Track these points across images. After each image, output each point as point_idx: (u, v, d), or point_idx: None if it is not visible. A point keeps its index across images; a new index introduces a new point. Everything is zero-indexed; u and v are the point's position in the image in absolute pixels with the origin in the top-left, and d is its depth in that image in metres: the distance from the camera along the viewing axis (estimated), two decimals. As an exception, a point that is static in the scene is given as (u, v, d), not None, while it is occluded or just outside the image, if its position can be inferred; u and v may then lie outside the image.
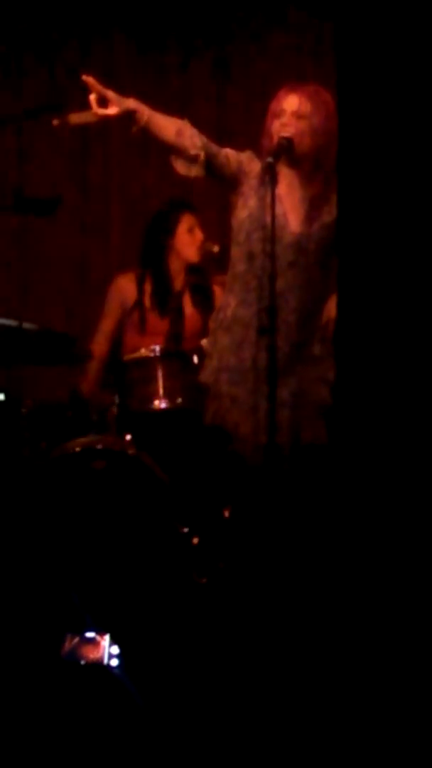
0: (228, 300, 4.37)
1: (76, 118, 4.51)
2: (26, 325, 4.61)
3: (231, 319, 4.33)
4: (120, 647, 3.92)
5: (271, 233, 4.08)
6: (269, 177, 4.10)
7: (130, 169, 6.26)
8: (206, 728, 3.61)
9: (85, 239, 6.38)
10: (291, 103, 4.27)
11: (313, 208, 4.30)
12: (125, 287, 5.24)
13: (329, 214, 4.24)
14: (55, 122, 4.47)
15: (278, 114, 4.27)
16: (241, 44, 6.30)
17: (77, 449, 4.43)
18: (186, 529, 4.38)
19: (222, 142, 4.37)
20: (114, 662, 3.89)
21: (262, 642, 3.93)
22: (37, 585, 4.23)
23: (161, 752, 3.48)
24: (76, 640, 3.89)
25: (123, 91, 4.29)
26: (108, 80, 4.56)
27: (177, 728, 3.61)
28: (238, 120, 5.99)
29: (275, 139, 4.22)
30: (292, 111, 4.25)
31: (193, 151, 4.24)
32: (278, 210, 4.15)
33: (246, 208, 4.31)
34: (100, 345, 5.20)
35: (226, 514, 4.36)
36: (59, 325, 5.40)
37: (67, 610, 4.13)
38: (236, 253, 4.35)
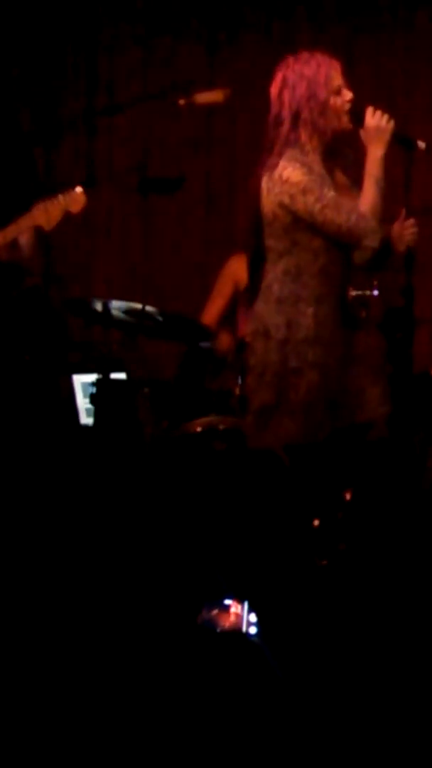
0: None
1: (202, 97, 4.52)
2: (149, 308, 4.64)
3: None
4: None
5: None
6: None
7: (254, 149, 6.24)
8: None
9: (209, 220, 6.39)
10: (340, 76, 4.10)
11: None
12: (240, 268, 5.22)
13: None
14: (182, 102, 4.48)
15: (338, 91, 4.08)
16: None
17: (198, 429, 4.44)
18: (308, 512, 4.36)
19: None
20: (252, 630, 3.88)
21: (383, 624, 3.92)
22: (168, 559, 4.25)
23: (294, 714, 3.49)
24: (214, 607, 3.89)
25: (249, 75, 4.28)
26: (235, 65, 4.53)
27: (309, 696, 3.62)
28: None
29: (345, 115, 4.07)
30: (343, 83, 4.10)
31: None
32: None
33: None
34: (209, 321, 5.20)
35: (348, 496, 4.33)
36: (182, 304, 5.42)
37: (206, 580, 4.14)
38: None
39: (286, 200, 4.03)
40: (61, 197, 4.39)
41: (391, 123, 4.04)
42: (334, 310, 4.11)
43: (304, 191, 4.02)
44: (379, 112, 4.03)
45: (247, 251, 5.07)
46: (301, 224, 4.05)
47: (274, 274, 4.11)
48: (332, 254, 4.08)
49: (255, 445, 4.13)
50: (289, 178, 4.02)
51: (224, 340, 5.18)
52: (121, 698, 3.58)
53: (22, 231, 4.44)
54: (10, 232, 4.44)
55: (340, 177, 4.15)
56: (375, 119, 4.03)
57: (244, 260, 5.20)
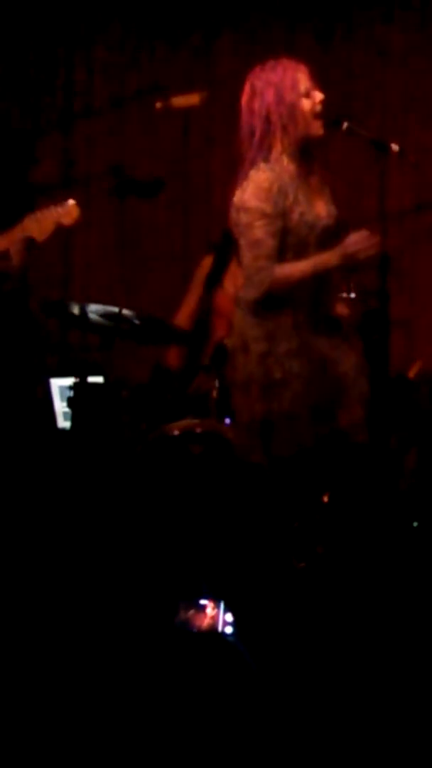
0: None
1: (178, 101, 4.52)
2: (126, 311, 4.64)
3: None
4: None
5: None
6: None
7: (231, 153, 6.25)
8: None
9: (187, 222, 6.40)
10: (308, 79, 4.08)
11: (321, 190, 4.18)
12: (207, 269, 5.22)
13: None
14: (158, 105, 4.48)
15: (307, 94, 4.05)
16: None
17: (176, 432, 4.43)
18: (285, 514, 4.37)
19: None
20: (228, 630, 3.87)
21: (360, 626, 3.93)
22: (145, 559, 4.25)
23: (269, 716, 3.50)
24: (190, 608, 3.89)
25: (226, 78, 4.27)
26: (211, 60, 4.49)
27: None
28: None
29: (317, 121, 4.04)
30: (311, 86, 4.07)
31: None
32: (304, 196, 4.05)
33: None
34: (182, 322, 5.20)
35: (326, 499, 4.34)
36: (160, 308, 5.42)
37: (181, 581, 4.14)
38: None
39: (233, 211, 4.06)
40: (53, 209, 4.40)
41: (362, 257, 4.01)
42: (312, 317, 4.11)
43: (247, 210, 4.01)
44: (360, 244, 3.99)
45: (216, 254, 5.10)
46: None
47: None
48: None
49: (246, 458, 4.14)
50: (245, 192, 4.02)
51: (172, 357, 5.20)
52: (96, 698, 3.58)
53: (13, 242, 4.44)
54: (1, 242, 4.43)
55: (314, 180, 4.15)
56: (352, 247, 4.00)
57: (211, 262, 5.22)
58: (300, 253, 4.05)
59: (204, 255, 5.36)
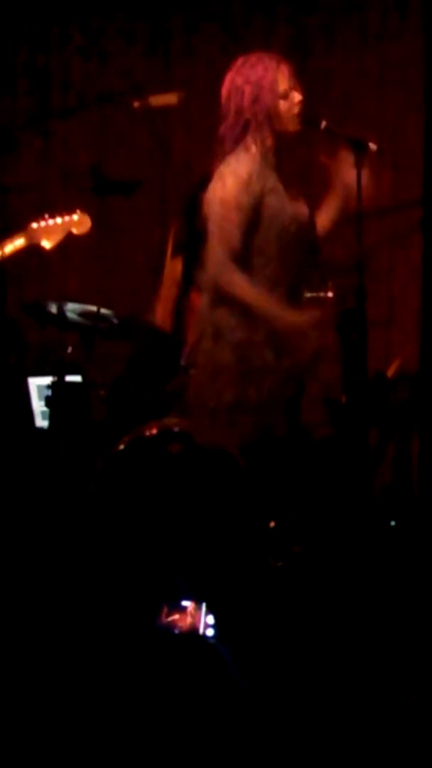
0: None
1: (156, 100, 4.52)
2: (104, 310, 4.63)
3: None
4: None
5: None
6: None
7: (209, 153, 6.26)
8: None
9: (164, 223, 6.38)
10: (290, 78, 4.08)
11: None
12: (179, 270, 5.20)
13: None
14: (136, 104, 4.48)
15: (285, 95, 4.06)
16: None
17: (153, 432, 4.42)
18: (263, 513, 4.37)
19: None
20: (209, 632, 3.87)
21: (337, 625, 3.93)
22: (124, 561, 4.24)
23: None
24: (171, 609, 3.88)
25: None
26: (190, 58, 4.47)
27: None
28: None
29: (294, 119, 4.08)
30: (292, 86, 4.08)
31: None
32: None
33: None
34: (160, 322, 5.18)
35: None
36: (137, 307, 5.41)
37: (162, 582, 4.13)
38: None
39: (206, 205, 4.08)
40: (63, 218, 4.45)
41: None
42: (288, 312, 4.12)
43: (222, 201, 4.03)
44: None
45: (185, 251, 5.08)
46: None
47: None
48: (283, 260, 4.09)
49: (206, 442, 4.14)
50: (221, 182, 4.05)
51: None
52: (77, 701, 3.58)
53: (16, 248, 4.46)
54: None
55: (291, 181, 4.16)
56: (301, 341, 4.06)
57: (180, 263, 5.19)
58: (282, 245, 4.05)
59: (172, 258, 5.34)
